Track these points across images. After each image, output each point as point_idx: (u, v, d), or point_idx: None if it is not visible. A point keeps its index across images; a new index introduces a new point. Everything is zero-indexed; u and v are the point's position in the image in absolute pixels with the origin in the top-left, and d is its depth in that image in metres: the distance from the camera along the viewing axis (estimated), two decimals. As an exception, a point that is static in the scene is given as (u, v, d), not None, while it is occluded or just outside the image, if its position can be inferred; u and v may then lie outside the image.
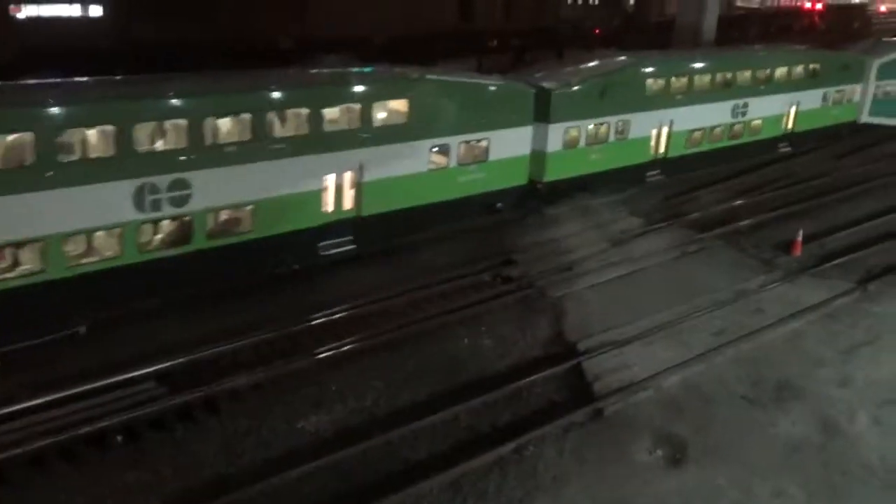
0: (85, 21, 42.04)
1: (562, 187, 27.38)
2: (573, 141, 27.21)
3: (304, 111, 20.43)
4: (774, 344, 19.27)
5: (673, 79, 30.10)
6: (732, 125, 32.85)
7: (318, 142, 20.67)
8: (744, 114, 33.03)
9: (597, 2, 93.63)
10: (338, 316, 19.14)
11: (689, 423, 16.05)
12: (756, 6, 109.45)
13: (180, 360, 16.79)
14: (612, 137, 28.30)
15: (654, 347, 18.69)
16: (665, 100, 29.85)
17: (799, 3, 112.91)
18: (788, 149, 35.87)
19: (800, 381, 17.64)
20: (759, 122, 33.95)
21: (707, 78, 31.40)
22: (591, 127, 27.64)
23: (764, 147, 34.62)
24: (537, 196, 26.95)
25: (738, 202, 29.27)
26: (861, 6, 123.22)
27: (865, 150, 38.04)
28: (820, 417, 16.41)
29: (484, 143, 24.43)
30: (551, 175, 26.95)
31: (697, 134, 31.50)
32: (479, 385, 16.86)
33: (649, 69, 29.61)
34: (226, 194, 19.25)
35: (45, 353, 16.80)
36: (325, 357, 17.41)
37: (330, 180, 21.28)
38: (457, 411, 15.86)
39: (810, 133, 36.90)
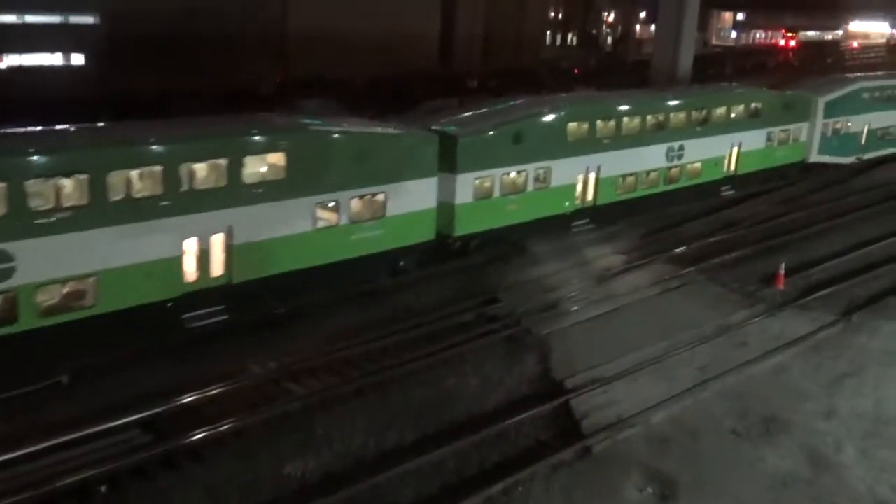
0: (66, 70, 42.19)
1: (476, 241, 25.62)
2: (486, 191, 25.26)
3: (157, 169, 18.30)
4: (760, 377, 19.32)
5: (599, 122, 28.46)
6: (668, 169, 31.29)
7: (175, 203, 18.50)
8: (680, 157, 31.53)
9: (575, 42, 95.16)
10: (323, 359, 19.02)
11: (678, 459, 15.99)
12: (731, 44, 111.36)
13: (164, 407, 16.59)
14: (531, 186, 26.44)
15: (641, 383, 18.68)
16: (591, 144, 28.15)
17: (773, 41, 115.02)
18: (731, 192, 34.57)
19: (786, 414, 17.66)
20: (697, 164, 32.48)
21: (637, 121, 29.95)
22: (506, 175, 25.69)
23: (705, 191, 33.21)
24: (448, 252, 25.20)
25: (720, 237, 29.47)
26: (834, 42, 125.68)
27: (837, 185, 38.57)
28: (807, 451, 16.41)
29: (381, 198, 22.36)
30: (462, 229, 24.92)
31: (629, 179, 29.85)
32: (467, 425, 16.75)
33: (571, 113, 28.06)
34: (58, 265, 17.07)
35: (27, 403, 16.58)
36: (312, 400, 17.27)
37: (191, 245, 19.06)
38: (444, 453, 15.73)
39: (755, 175, 35.68)
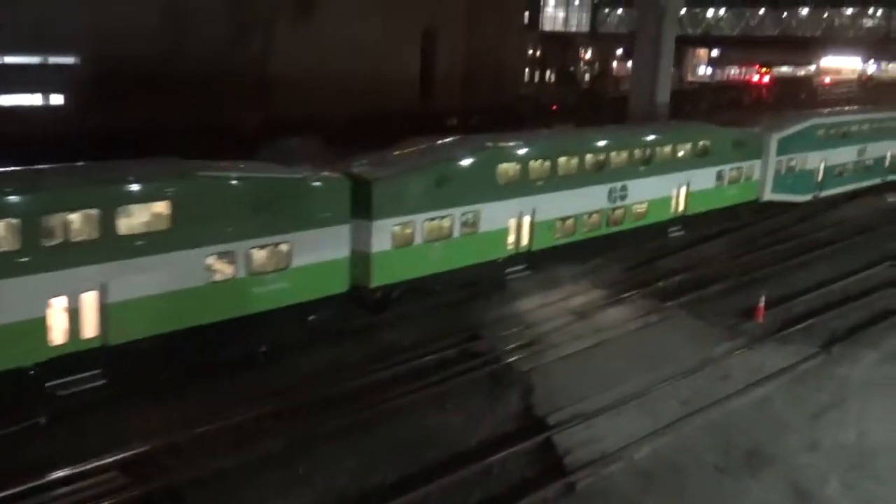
0: (44, 110, 42.12)
1: (397, 292, 23.85)
2: (406, 238, 23.44)
3: (14, 222, 16.59)
4: (742, 411, 19.34)
5: (533, 163, 26.94)
6: (611, 211, 29.82)
7: (36, 259, 16.83)
8: (623, 198, 30.09)
9: (553, 79, 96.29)
10: (305, 398, 18.87)
11: (662, 495, 15.94)
12: (706, 80, 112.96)
13: (144, 447, 16.40)
14: (457, 232, 24.68)
15: (624, 418, 18.65)
16: (524, 186, 26.54)
17: (747, 76, 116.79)
18: (681, 233, 33.36)
19: (769, 447, 17.67)
20: (642, 206, 31.06)
21: (575, 161, 28.43)
22: (429, 221, 23.90)
23: (652, 232, 31.89)
24: (365, 304, 23.54)
25: (699, 270, 29.65)
26: (807, 78, 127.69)
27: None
28: (791, 484, 16.41)
29: (284, 247, 20.71)
30: (380, 279, 23.06)
31: (567, 222, 28.26)
32: (450, 463, 16.63)
33: (502, 153, 26.50)
34: None
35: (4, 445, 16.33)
36: (294, 440, 17.11)
37: (58, 304, 17.35)
38: (428, 491, 15.58)
39: (706, 215, 34.32)
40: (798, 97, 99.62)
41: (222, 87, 45.84)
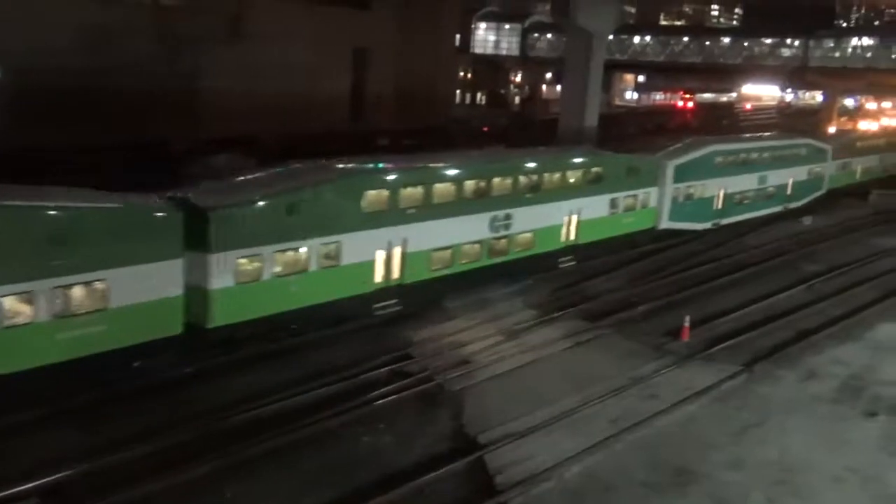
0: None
1: (243, 332, 21.44)
2: (254, 273, 21.19)
3: None
4: (669, 429, 19.66)
5: (404, 190, 24.95)
6: (493, 240, 27.99)
7: None
8: (507, 227, 28.28)
9: (484, 101, 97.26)
10: (233, 420, 18.54)
11: (592, 513, 16.06)
12: (633, 104, 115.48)
13: (66, 473, 15.87)
14: (315, 265, 22.55)
15: (555, 437, 18.77)
16: (395, 215, 24.51)
17: (672, 102, 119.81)
18: (572, 263, 31.72)
19: (695, 465, 17.98)
20: (528, 235, 29.30)
21: (452, 188, 26.58)
22: (280, 253, 21.76)
23: (539, 262, 30.18)
24: (205, 346, 21.13)
25: (628, 291, 30.13)
26: (729, 104, 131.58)
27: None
28: (717, 500, 16.71)
29: (100, 286, 18.43)
30: (222, 318, 20.67)
31: (444, 254, 26.32)
32: (382, 484, 16.49)
33: (368, 180, 24.45)
34: None
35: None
36: (222, 463, 16.76)
37: None
38: (359, 513, 15.45)
39: (599, 244, 32.88)
40: (720, 122, 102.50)
41: (149, 105, 45.16)
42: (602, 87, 54.75)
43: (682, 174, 36.54)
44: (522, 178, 29.29)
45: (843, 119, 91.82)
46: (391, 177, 24.96)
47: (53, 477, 15.72)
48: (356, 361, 22.14)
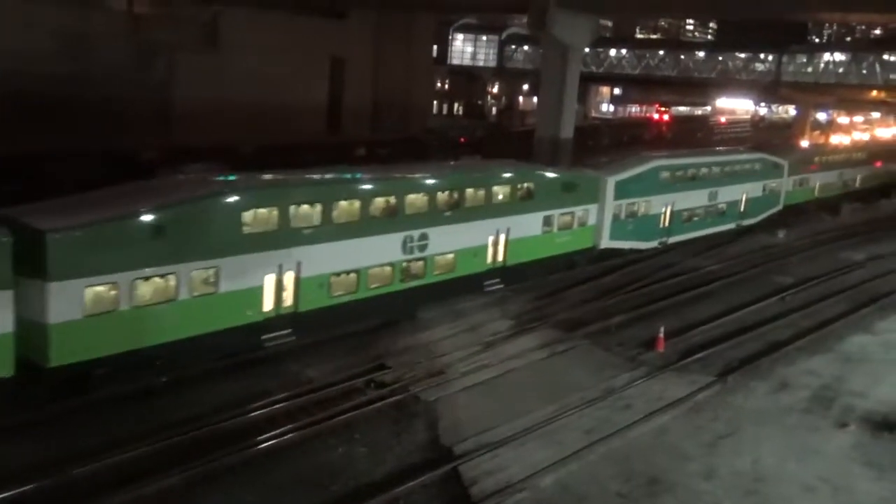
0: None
1: (96, 371, 19.02)
2: (107, 303, 18.69)
3: None
4: (643, 439, 19.74)
5: (296, 208, 22.55)
6: (407, 263, 25.73)
7: None
8: (423, 248, 26.01)
9: (461, 112, 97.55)
10: (205, 429, 18.39)
11: (566, 523, 16.08)
12: (609, 116, 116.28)
13: (33, 485, 15.67)
14: (186, 293, 20.00)
15: (529, 448, 18.79)
16: (285, 236, 22.10)
17: (648, 115, 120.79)
18: (500, 286, 29.37)
19: (669, 475, 18.06)
20: (448, 256, 27.08)
21: (356, 205, 24.15)
22: (142, 280, 19.19)
23: (462, 286, 27.90)
24: (46, 388, 18.78)
25: (603, 302, 30.27)
26: (704, 117, 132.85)
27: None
28: (690, 510, 16.79)
29: None
30: (65, 356, 18.20)
31: (347, 278, 23.97)
32: (355, 495, 16.44)
33: (251, 196, 21.72)
34: None
35: None
36: (194, 473, 16.62)
37: None
38: (332, 524, 15.37)
39: (532, 265, 30.73)
40: (695, 135, 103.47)
41: (123, 113, 44.93)
42: (578, 99, 55.05)
43: (623, 190, 34.85)
44: (441, 195, 26.89)
45: (815, 133, 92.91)
46: (280, 193, 22.55)
47: (18, 489, 15.53)
48: (332, 371, 22.08)
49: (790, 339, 27.54)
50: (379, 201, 25.00)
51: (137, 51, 47.55)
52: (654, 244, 37.57)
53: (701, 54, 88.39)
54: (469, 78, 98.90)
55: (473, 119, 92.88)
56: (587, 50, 67.22)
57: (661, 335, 25.94)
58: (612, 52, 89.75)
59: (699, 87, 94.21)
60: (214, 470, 16.91)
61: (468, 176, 28.96)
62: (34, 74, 40.82)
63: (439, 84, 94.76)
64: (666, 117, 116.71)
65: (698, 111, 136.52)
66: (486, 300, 28.93)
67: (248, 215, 21.46)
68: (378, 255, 24.81)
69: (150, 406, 19.40)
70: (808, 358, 25.97)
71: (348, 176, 25.75)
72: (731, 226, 42.94)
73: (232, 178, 22.82)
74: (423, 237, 25.96)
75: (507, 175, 30.29)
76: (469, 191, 27.82)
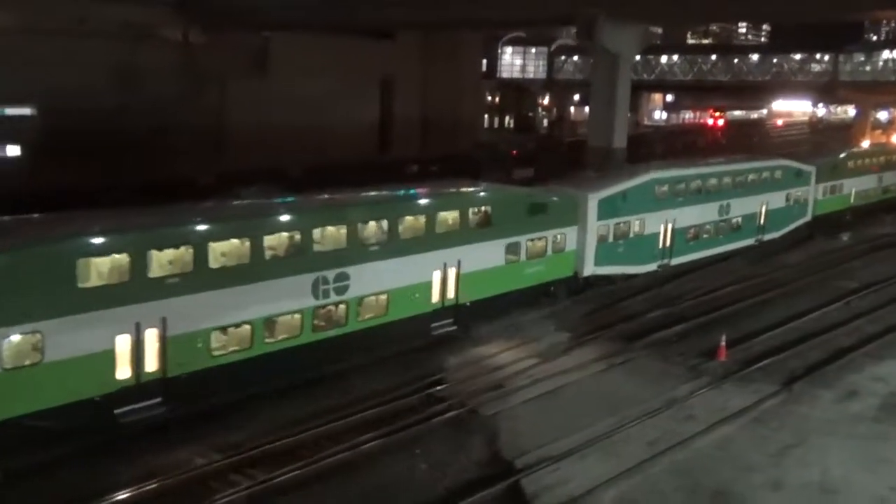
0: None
1: None
2: None
3: None
4: (707, 451, 19.38)
5: (156, 253, 18.82)
6: (321, 309, 21.89)
7: None
8: (342, 290, 22.15)
9: (512, 125, 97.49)
10: (266, 448, 18.56)
11: (630, 538, 15.86)
12: (662, 124, 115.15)
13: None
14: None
15: (590, 461, 18.60)
16: (141, 288, 18.46)
17: (702, 120, 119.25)
18: (452, 328, 25.60)
19: (734, 487, 17.70)
20: (379, 298, 23.30)
21: (245, 245, 20.35)
22: None
23: (400, 331, 23.97)
24: None
25: (661, 312, 29.87)
26: (760, 121, 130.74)
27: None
28: (757, 522, 16.42)
29: None
30: None
31: (235, 333, 20.23)
32: (416, 512, 16.46)
33: (84, 244, 18.17)
34: None
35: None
36: (255, 493, 16.79)
37: None
38: (394, 541, 15.39)
39: (494, 301, 26.79)
40: (751, 139, 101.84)
41: (176, 142, 45.89)
42: (630, 107, 54.58)
43: (609, 209, 30.90)
44: (365, 227, 23.09)
45: (877, 132, 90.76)
46: (133, 238, 18.68)
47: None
48: (390, 388, 22.13)
49: (856, 344, 26.87)
50: (276, 238, 21.27)
51: (190, 80, 48.57)
52: (651, 267, 33.74)
53: (755, 57, 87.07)
54: (519, 91, 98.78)
55: (524, 132, 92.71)
56: (637, 58, 66.69)
57: (723, 344, 25.49)
58: (664, 58, 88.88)
59: (754, 91, 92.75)
60: (277, 487, 17.04)
61: (402, 202, 25.03)
62: (91, 109, 41.91)
63: (489, 98, 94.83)
64: (721, 122, 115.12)
65: (754, 115, 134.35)
66: (542, 314, 28.75)
67: (83, 267, 17.83)
68: (279, 301, 20.93)
69: (213, 426, 19.65)
70: (876, 364, 25.28)
71: (235, 210, 22.06)
72: (750, 241, 39.31)
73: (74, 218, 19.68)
74: (342, 277, 22.10)
75: (456, 198, 26.34)
76: (404, 219, 24.02)
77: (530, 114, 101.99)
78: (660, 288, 33.19)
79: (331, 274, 21.86)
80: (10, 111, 41.60)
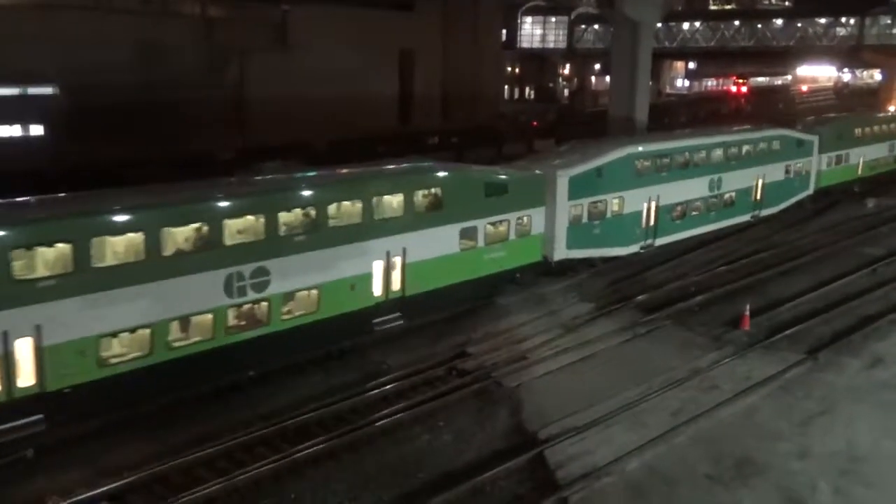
0: (24, 142, 42.01)
1: None
2: None
3: None
4: (731, 420, 19.35)
5: (19, 252, 16.54)
6: (236, 308, 19.58)
7: None
8: (261, 286, 19.87)
9: (532, 96, 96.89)
10: (295, 420, 18.74)
11: (655, 507, 15.91)
12: (684, 92, 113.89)
13: (132, 478, 16.23)
14: None
15: (614, 431, 18.62)
16: (8, 294, 16.23)
17: (725, 88, 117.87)
18: (399, 322, 23.25)
19: (760, 455, 17.67)
20: (310, 294, 20.97)
21: (138, 240, 18.03)
22: None
23: (335, 328, 21.65)
24: None
25: (684, 281, 29.71)
26: (784, 87, 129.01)
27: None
28: (783, 491, 16.40)
29: None
30: None
31: (130, 337, 18.02)
32: (442, 482, 16.54)
33: None
34: None
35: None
36: (284, 464, 16.98)
37: None
38: (420, 512, 15.52)
39: (448, 291, 24.43)
40: (776, 106, 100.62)
41: (199, 116, 45.96)
42: (651, 75, 54.01)
43: (582, 187, 28.58)
44: (288, 216, 20.67)
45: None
46: None
47: (120, 482, 16.09)
48: (414, 361, 22.24)
49: (883, 312, 26.62)
50: (180, 232, 18.87)
51: (211, 54, 48.57)
52: (633, 249, 31.51)
53: (779, 22, 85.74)
54: (539, 61, 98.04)
55: (545, 102, 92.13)
56: (659, 25, 65.88)
57: (747, 313, 25.34)
58: (685, 25, 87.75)
59: (778, 57, 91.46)
60: (302, 461, 17.21)
61: (332, 187, 22.30)
62: (113, 86, 42.02)
63: (509, 69, 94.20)
64: (744, 89, 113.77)
65: (778, 81, 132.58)
66: (564, 285, 28.66)
67: None
68: (184, 301, 18.67)
69: (241, 400, 19.85)
70: (902, 331, 25.06)
71: (130, 197, 19.38)
72: (746, 217, 37.22)
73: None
74: (261, 272, 19.81)
75: (399, 181, 23.60)
76: (336, 206, 21.66)
77: (551, 84, 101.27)
78: (682, 257, 32.94)
79: (247, 269, 19.56)
80: (33, 90, 41.80)
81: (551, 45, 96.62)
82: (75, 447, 17.36)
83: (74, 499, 15.52)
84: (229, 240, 19.39)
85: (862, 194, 45.47)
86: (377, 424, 18.74)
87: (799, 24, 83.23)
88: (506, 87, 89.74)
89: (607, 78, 70.23)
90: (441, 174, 24.65)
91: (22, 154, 39.92)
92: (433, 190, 23.99)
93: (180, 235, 18.81)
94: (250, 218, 19.95)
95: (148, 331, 18.09)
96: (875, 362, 22.72)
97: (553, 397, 20.35)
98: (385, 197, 22.71)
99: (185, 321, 18.82)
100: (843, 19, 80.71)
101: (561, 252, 28.51)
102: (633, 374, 21.63)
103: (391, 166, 25.43)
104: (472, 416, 19.53)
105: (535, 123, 68.79)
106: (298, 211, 20.86)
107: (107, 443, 17.58)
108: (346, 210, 21.89)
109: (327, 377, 21.26)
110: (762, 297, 27.87)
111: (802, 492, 16.38)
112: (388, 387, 20.70)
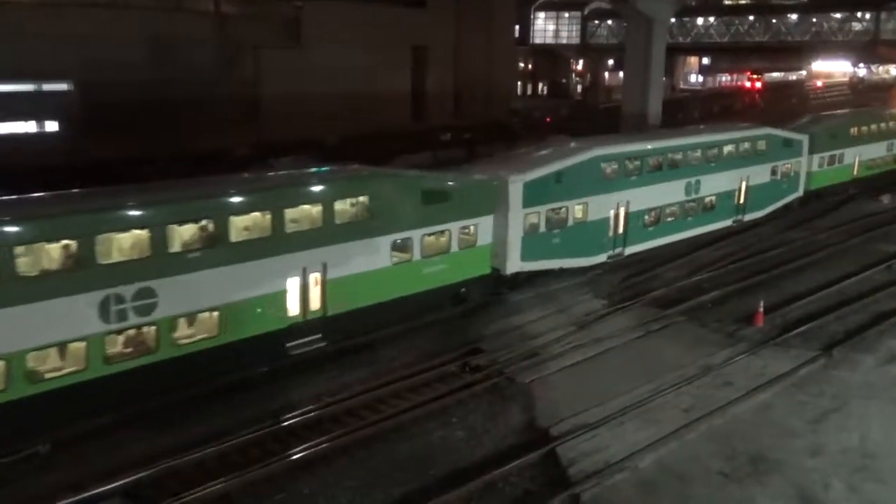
0: (38, 138, 42.24)
1: None
2: None
3: None
4: (745, 417, 19.30)
5: None
6: (116, 334, 17.54)
7: None
8: (147, 309, 17.76)
9: (545, 92, 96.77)
10: (307, 416, 18.82)
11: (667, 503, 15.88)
12: (698, 87, 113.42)
13: (146, 472, 16.32)
14: None
15: (627, 427, 18.61)
16: None
17: (739, 83, 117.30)
18: (320, 344, 21.31)
19: (773, 453, 17.62)
20: (210, 316, 19.01)
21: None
22: None
23: (243, 352, 19.69)
24: None
25: (697, 278, 29.63)
26: (799, 82, 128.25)
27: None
28: (797, 489, 16.34)
29: None
30: None
31: None
32: (453, 478, 16.57)
33: None
34: None
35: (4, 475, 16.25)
36: (296, 460, 17.05)
37: None
38: (432, 507, 15.55)
39: (377, 310, 22.44)
40: (790, 101, 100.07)
41: (213, 113, 46.12)
42: (665, 71, 53.84)
43: (538, 194, 26.46)
44: (177, 230, 18.46)
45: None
46: None
47: (133, 477, 16.16)
48: (427, 356, 22.28)
49: (897, 309, 26.48)
50: (41, 249, 16.62)
51: (224, 51, 48.73)
52: (599, 259, 29.45)
53: (793, 17, 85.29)
54: (552, 56, 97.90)
55: (558, 98, 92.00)
56: (672, 20, 65.62)
57: (761, 310, 25.26)
58: (699, 20, 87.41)
59: (793, 52, 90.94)
60: (313, 456, 17.28)
61: (234, 198, 19.80)
62: (127, 82, 42.21)
63: (522, 64, 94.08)
64: (758, 85, 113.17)
65: (793, 76, 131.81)
66: (577, 281, 28.62)
67: None
68: (52, 329, 16.53)
69: (252, 396, 19.92)
70: (917, 328, 24.92)
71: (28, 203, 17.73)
72: (727, 223, 35.25)
73: None
74: (145, 294, 17.67)
75: (315, 189, 21.39)
76: (238, 218, 19.47)
77: (564, 80, 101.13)
78: (694, 254, 32.82)
79: (128, 290, 17.37)
80: (48, 87, 42.02)
81: (564, 41, 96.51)
82: (88, 443, 17.46)
83: (88, 493, 15.63)
84: (103, 259, 17.23)
85: (878, 191, 45.13)
86: (389, 420, 18.77)
87: (814, 19, 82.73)
88: (519, 83, 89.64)
89: (620, 73, 70.12)
90: (368, 181, 22.54)
91: (36, 150, 40.13)
92: (359, 198, 21.80)
93: (40, 256, 16.54)
94: (135, 233, 17.83)
95: (3, 363, 16.01)
96: (890, 359, 22.60)
97: (565, 394, 20.35)
98: (300, 207, 20.66)
99: (55, 350, 16.76)
100: (859, 14, 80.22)
101: (514, 264, 26.42)
102: (646, 370, 21.60)
103: (311, 170, 23.42)
104: (484, 413, 19.55)
105: (548, 119, 68.66)
106: (191, 226, 18.71)
107: (119, 438, 17.67)
108: (252, 222, 19.78)
109: (342, 372, 21.30)
110: (776, 293, 27.76)
111: (816, 489, 16.33)
112: (400, 382, 20.73)
